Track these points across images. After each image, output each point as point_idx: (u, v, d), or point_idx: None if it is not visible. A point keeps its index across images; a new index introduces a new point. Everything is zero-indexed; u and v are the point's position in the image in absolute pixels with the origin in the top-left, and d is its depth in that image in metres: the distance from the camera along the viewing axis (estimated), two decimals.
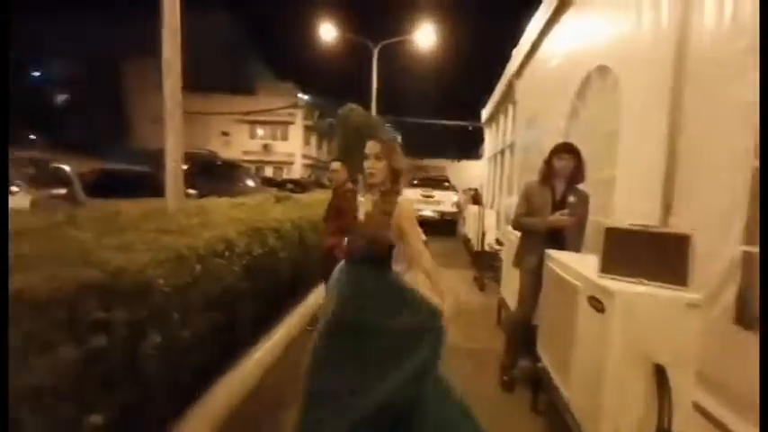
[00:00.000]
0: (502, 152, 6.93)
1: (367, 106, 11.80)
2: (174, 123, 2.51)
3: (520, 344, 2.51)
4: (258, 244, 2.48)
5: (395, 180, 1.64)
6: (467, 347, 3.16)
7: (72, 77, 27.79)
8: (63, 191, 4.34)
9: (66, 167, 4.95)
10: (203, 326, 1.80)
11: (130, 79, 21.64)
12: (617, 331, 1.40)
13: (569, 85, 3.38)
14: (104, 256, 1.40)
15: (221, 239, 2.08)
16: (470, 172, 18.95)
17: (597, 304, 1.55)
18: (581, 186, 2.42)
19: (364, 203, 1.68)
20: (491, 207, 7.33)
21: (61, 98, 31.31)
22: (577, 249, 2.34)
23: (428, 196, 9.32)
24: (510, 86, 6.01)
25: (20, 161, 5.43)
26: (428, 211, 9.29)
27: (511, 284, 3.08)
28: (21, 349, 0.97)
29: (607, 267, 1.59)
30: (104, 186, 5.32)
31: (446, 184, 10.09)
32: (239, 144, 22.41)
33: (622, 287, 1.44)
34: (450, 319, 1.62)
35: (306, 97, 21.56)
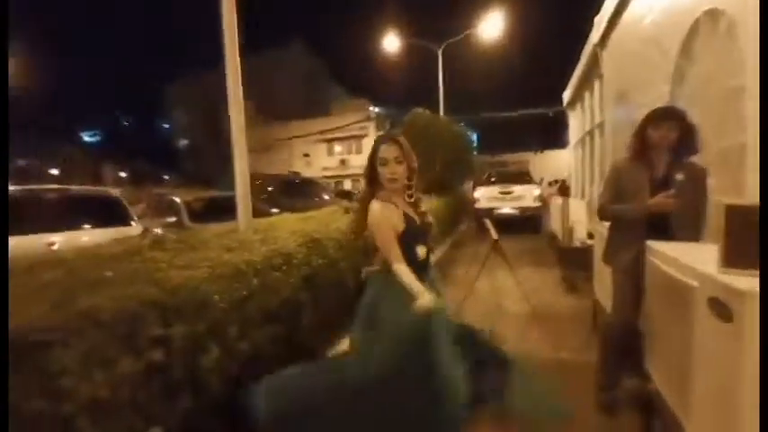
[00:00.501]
0: (589, 135, 6.07)
1: (436, 108, 11.60)
2: (240, 150, 2.72)
3: (621, 357, 2.06)
4: (318, 255, 2.52)
5: (411, 180, 1.64)
6: (555, 358, 2.76)
7: (190, 124, 33.85)
8: (174, 218, 5.07)
9: (177, 199, 5.79)
10: (263, 338, 1.85)
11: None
12: (751, 344, 1.02)
13: (670, 41, 2.77)
14: (169, 275, 1.53)
15: (279, 253, 2.14)
16: (557, 162, 17.18)
17: (721, 309, 1.16)
18: (695, 159, 1.92)
19: (384, 209, 1.56)
20: (581, 197, 6.46)
21: (183, 143, 38.28)
22: (694, 240, 1.85)
23: (506, 192, 8.65)
24: (594, 59, 5.24)
25: (148, 197, 6.52)
26: (507, 209, 8.62)
27: (605, 284, 2.60)
28: (84, 363, 1.07)
29: (732, 259, 1.18)
30: (209, 212, 6.13)
31: (527, 177, 9.25)
32: (319, 162, 24.18)
33: (755, 285, 1.04)
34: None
35: (377, 109, 22.24)
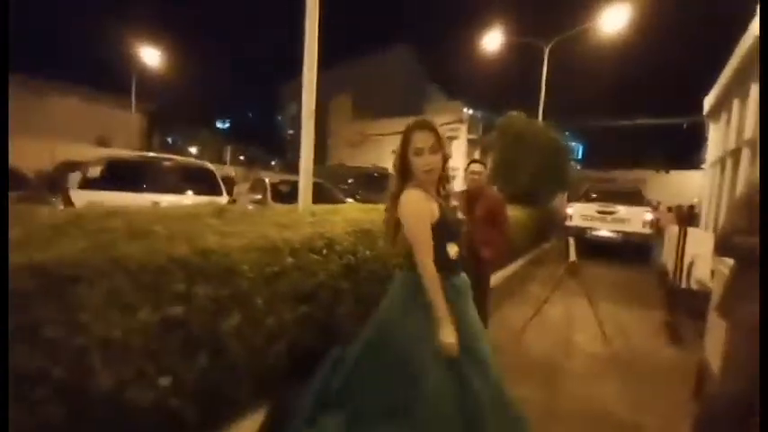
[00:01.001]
0: (734, 153, 4.81)
1: (535, 112, 10.65)
2: (308, 140, 2.80)
3: None
4: (365, 245, 2.44)
5: (444, 171, 1.52)
6: (633, 423, 2.22)
7: (297, 117, 37.93)
8: (259, 196, 5.56)
9: (266, 179, 6.35)
10: (291, 316, 1.84)
11: (332, 114, 26.95)
12: None
13: None
14: (208, 239, 1.60)
15: (322, 236, 2.12)
16: (685, 186, 14.21)
17: None
18: None
19: (418, 197, 1.42)
20: (713, 230, 5.20)
21: (289, 132, 42.99)
22: None
23: (607, 212, 7.47)
24: (752, 56, 4.08)
25: (252, 177, 7.41)
26: (605, 231, 7.43)
27: (720, 341, 1.98)
28: (104, 303, 1.15)
29: None
30: (292, 194, 6.67)
31: (636, 197, 7.85)
32: None
33: None
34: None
35: (470, 112, 21.45)
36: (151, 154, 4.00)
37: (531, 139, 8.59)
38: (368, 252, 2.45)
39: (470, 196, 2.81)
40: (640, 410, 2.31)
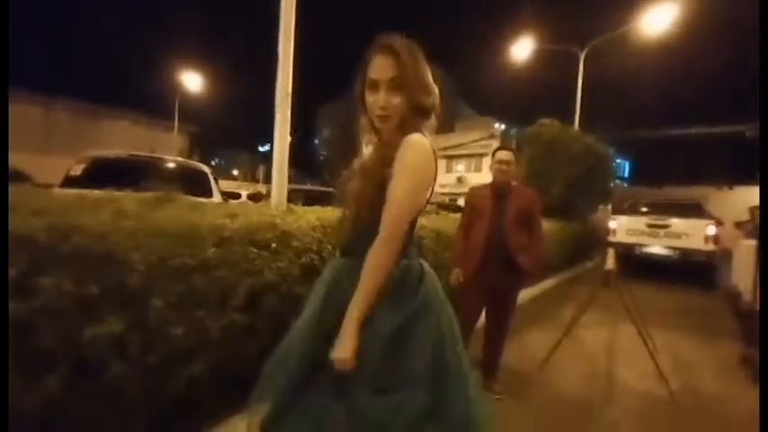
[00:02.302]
0: None
1: (571, 122, 9.85)
2: (283, 127, 2.47)
3: None
4: (338, 243, 1.98)
5: (414, 123, 0.91)
6: None
7: (328, 140, 39.57)
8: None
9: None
10: (215, 326, 1.41)
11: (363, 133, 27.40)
12: None
13: None
14: (83, 218, 1.23)
15: (271, 227, 1.69)
16: (753, 202, 12.34)
17: None
18: None
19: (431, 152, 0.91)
20: None
21: (322, 154, 44.72)
22: None
23: (659, 225, 6.47)
24: None
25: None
26: (658, 248, 6.41)
27: None
28: None
29: None
30: (306, 203, 6.53)
31: (695, 210, 6.76)
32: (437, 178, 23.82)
33: None
34: None
35: (502, 126, 20.72)
36: (141, 153, 3.85)
37: (566, 147, 7.81)
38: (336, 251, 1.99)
39: (498, 191, 2.23)
40: None
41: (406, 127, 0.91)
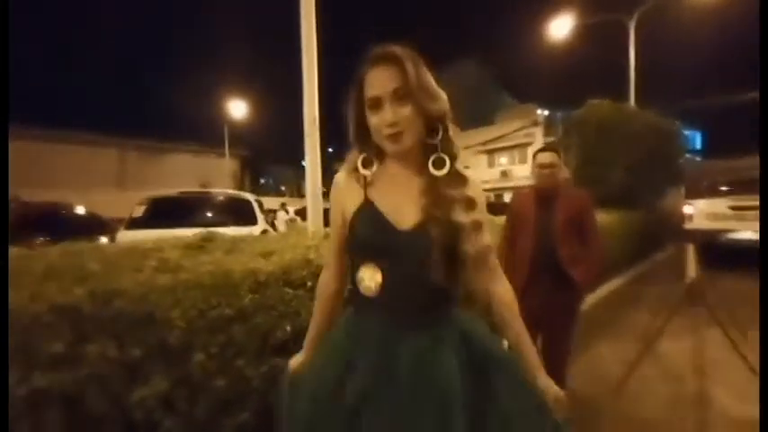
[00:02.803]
0: None
1: (626, 100, 8.98)
2: (313, 153, 2.47)
3: None
4: None
5: (435, 135, 0.82)
6: None
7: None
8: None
9: (290, 208, 6.29)
10: (256, 374, 1.40)
11: None
12: None
13: None
14: (126, 278, 1.28)
15: (305, 264, 1.66)
16: None
17: None
18: None
19: (339, 186, 0.92)
20: None
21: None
22: None
23: (745, 207, 5.61)
24: None
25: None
26: (745, 233, 5.55)
27: None
28: None
29: None
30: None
31: None
32: (478, 174, 22.93)
33: None
34: None
35: (546, 112, 19.50)
36: (191, 189, 4.12)
37: (622, 128, 7.09)
38: None
39: (542, 197, 2.03)
40: None
41: (423, 146, 0.83)
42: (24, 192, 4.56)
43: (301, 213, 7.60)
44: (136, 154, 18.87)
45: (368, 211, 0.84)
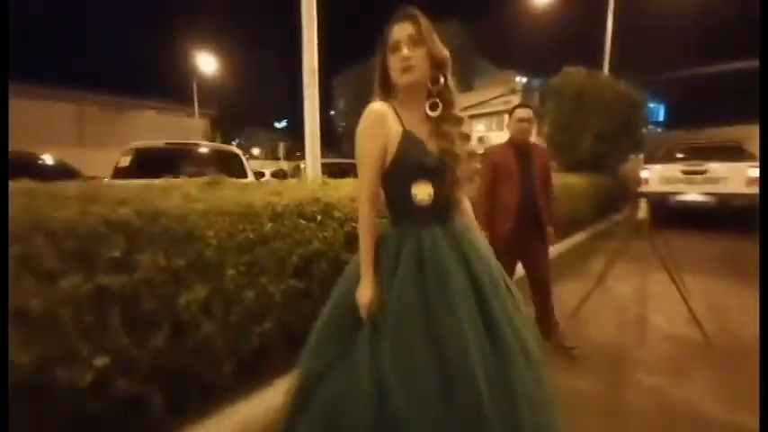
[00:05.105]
0: None
1: (600, 68, 9.25)
2: (312, 101, 2.55)
3: None
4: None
5: (437, 81, 1.07)
6: (732, 422, 1.66)
7: (346, 112, 39.36)
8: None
9: (301, 164, 6.27)
10: (277, 291, 1.61)
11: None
12: None
13: None
14: (163, 203, 1.42)
15: (315, 201, 1.85)
16: None
17: None
18: None
19: (375, 114, 1.05)
20: None
21: (341, 125, 44.76)
22: None
23: (695, 172, 6.21)
24: None
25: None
26: (693, 195, 6.19)
27: None
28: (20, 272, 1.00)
29: None
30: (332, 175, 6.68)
31: (736, 152, 6.39)
32: None
33: None
34: None
35: (523, 80, 19.67)
36: (178, 141, 4.07)
37: (595, 97, 7.43)
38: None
39: (521, 152, 2.20)
40: (741, 409, 1.71)
41: (427, 80, 1.05)
42: None
43: (277, 175, 7.54)
44: (96, 110, 17.50)
45: (412, 137, 1.05)
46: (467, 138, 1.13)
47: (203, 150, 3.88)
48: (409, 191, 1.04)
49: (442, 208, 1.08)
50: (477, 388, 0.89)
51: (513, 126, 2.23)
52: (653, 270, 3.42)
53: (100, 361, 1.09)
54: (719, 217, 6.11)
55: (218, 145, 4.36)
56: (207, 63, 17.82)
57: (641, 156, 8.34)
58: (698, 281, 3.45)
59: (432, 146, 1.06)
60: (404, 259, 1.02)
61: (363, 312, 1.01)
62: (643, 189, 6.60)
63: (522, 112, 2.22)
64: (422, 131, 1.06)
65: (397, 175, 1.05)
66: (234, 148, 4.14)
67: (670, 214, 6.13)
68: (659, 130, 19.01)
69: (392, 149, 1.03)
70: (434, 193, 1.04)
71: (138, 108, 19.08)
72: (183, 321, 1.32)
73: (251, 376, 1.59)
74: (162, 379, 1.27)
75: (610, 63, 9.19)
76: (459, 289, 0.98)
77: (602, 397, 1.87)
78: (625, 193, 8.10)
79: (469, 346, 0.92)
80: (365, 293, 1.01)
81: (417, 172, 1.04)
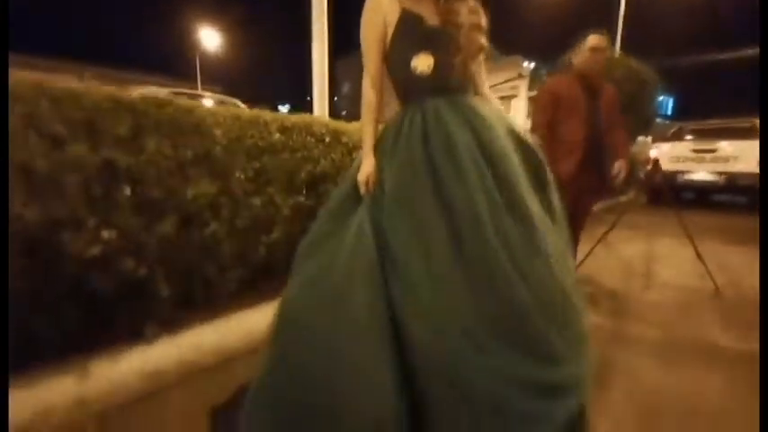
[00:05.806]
0: None
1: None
2: (320, 28, 2.49)
3: None
4: None
5: None
6: (740, 351, 1.66)
7: (347, 97, 39.15)
8: None
9: None
10: (285, 204, 1.58)
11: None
12: None
13: None
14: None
15: (323, 124, 1.81)
16: None
17: None
18: None
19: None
20: None
21: (343, 113, 44.89)
22: None
23: (705, 150, 6.13)
24: None
25: None
26: (702, 174, 6.12)
27: None
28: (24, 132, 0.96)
29: None
30: None
31: (746, 132, 6.28)
32: None
33: None
34: None
35: (532, 65, 19.32)
36: (183, 89, 4.01)
37: (607, 74, 7.29)
38: None
39: (589, 85, 1.91)
40: (750, 340, 1.70)
41: None
42: None
43: None
44: (96, 84, 17.31)
45: (410, 13, 1.05)
46: (476, 11, 1.09)
47: (207, 101, 3.82)
48: (410, 65, 1.03)
49: (446, 79, 1.05)
50: (492, 252, 0.87)
51: (583, 56, 1.93)
52: (656, 236, 3.42)
53: (107, 233, 1.07)
54: (726, 196, 6.06)
55: (223, 96, 4.29)
56: (210, 37, 17.57)
57: (649, 138, 8.23)
58: (705, 246, 3.42)
59: (433, 20, 1.06)
60: (405, 132, 1.01)
61: (362, 189, 1.00)
62: (653, 169, 6.51)
63: (596, 40, 1.90)
64: (425, 9, 1.06)
65: (397, 51, 1.06)
66: (238, 101, 4.08)
67: (677, 194, 6.07)
68: (667, 122, 18.72)
69: (391, 30, 1.05)
70: (436, 63, 1.03)
71: (138, 83, 18.87)
72: (190, 214, 1.29)
73: (256, 291, 1.57)
74: (168, 271, 1.25)
75: (622, 41, 9.00)
76: (468, 157, 0.94)
77: (613, 329, 1.87)
78: (633, 175, 8.02)
79: (481, 212, 0.89)
80: (364, 170, 1.01)
81: (416, 44, 1.04)
